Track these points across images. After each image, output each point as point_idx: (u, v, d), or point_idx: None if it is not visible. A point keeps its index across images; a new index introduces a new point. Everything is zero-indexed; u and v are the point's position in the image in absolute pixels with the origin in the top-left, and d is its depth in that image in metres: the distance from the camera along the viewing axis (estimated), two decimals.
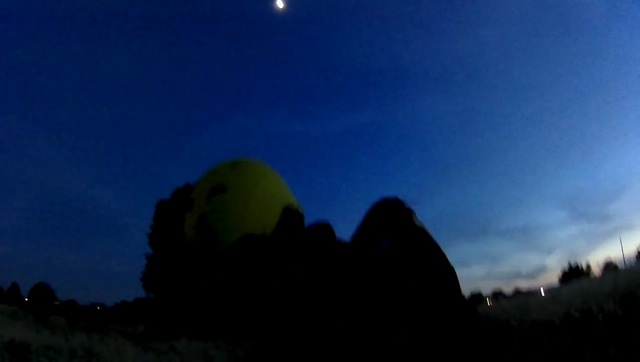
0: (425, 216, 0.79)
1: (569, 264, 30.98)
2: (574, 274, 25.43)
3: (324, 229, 0.78)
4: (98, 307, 26.31)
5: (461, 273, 0.74)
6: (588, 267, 29.12)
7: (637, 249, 25.39)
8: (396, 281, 0.66)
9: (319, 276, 0.70)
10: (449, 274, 0.70)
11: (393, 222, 0.74)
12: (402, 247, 0.70)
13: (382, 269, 0.68)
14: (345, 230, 0.82)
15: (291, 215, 0.77)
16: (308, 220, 0.82)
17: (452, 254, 0.75)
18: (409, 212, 0.76)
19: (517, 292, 25.37)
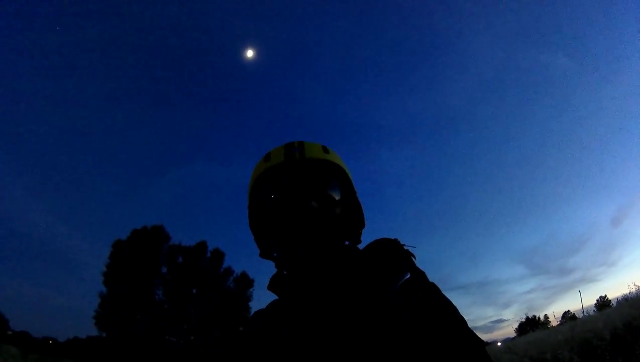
0: None
1: (526, 316, 31.33)
2: (530, 325, 25.32)
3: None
4: (50, 341, 25.95)
5: None
6: (545, 318, 29.33)
7: (596, 300, 25.16)
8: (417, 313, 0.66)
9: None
10: (463, 322, 0.68)
11: (402, 261, 0.74)
12: (420, 282, 0.72)
13: (407, 302, 0.67)
14: None
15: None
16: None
17: None
18: (410, 254, 0.77)
19: None
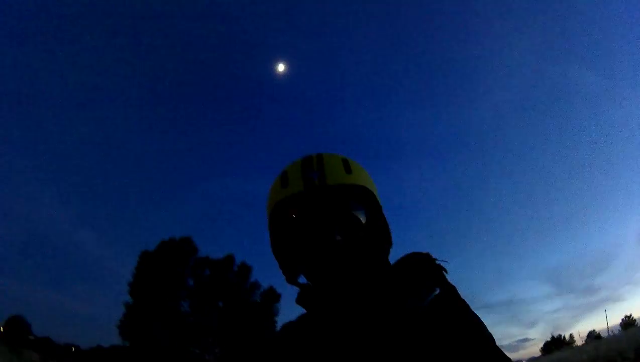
0: None
1: (552, 335, 31.11)
2: (556, 344, 25.21)
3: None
4: (73, 349, 25.84)
5: None
6: (571, 338, 29.28)
7: (622, 319, 25.15)
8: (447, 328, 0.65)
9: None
10: (490, 339, 0.69)
11: (433, 276, 0.73)
12: (449, 297, 0.71)
13: (434, 317, 0.67)
14: None
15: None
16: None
17: None
18: (442, 269, 0.75)
19: None
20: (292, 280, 0.84)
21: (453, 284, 0.75)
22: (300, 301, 0.80)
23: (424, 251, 0.79)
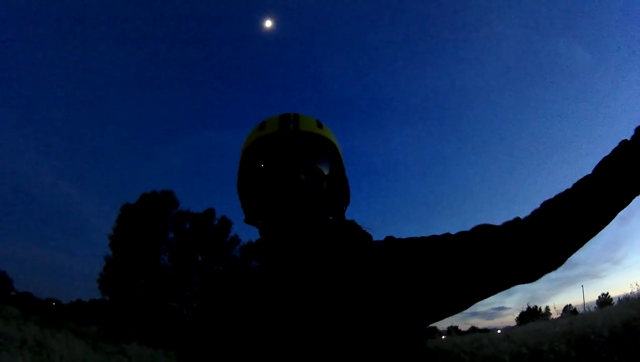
0: None
1: (528, 306, 31.13)
2: (531, 315, 25.25)
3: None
4: (53, 303, 25.84)
5: None
6: (547, 310, 29.00)
7: (598, 297, 25.61)
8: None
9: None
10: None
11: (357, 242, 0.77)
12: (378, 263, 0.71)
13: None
14: None
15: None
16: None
17: None
18: (369, 237, 0.79)
19: (473, 330, 25.78)
20: (250, 220, 0.87)
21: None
22: (251, 250, 0.81)
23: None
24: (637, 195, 0.68)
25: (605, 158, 0.70)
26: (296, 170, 0.76)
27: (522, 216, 0.73)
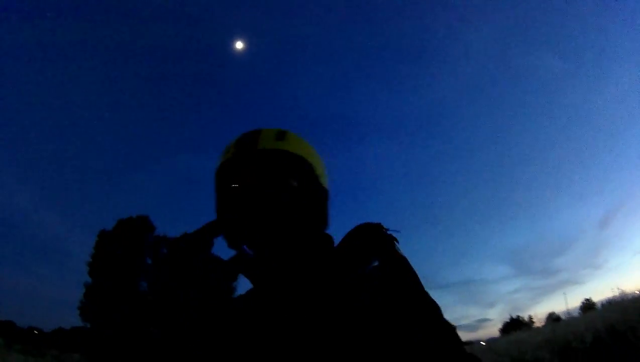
0: None
1: (511, 316, 31.94)
2: (515, 325, 25.37)
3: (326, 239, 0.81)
4: (35, 331, 25.98)
5: None
6: (530, 319, 29.58)
7: (581, 303, 25.12)
8: (381, 300, 0.66)
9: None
10: (434, 306, 0.69)
11: (380, 246, 0.73)
12: (390, 270, 0.70)
13: (370, 286, 0.68)
14: None
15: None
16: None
17: None
18: (393, 239, 0.76)
19: None
20: (234, 246, 0.82)
21: (404, 255, 0.74)
22: (235, 263, 0.80)
23: (375, 222, 0.79)
24: None
25: None
26: (261, 190, 0.76)
27: None
